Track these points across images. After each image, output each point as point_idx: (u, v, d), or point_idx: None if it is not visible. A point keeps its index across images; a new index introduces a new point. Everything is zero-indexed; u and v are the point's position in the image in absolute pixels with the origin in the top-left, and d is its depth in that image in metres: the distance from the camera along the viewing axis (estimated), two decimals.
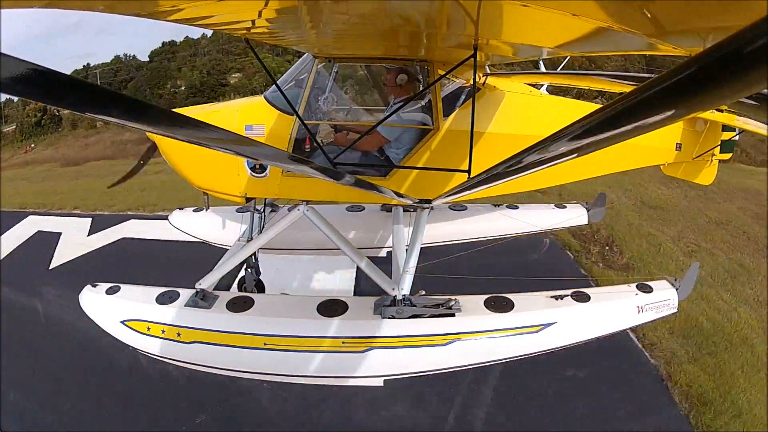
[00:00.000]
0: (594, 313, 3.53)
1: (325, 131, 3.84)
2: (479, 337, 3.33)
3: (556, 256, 6.64)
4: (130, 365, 4.23)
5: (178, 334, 3.34)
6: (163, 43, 21.89)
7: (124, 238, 8.26)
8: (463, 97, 3.44)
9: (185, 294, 3.55)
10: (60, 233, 8.68)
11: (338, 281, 5.99)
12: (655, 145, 4.01)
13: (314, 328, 3.31)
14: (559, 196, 8.15)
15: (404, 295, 3.42)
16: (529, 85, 4.39)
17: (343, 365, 3.30)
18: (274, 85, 3.33)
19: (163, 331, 3.36)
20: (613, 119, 0.96)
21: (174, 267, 5.87)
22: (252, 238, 4.15)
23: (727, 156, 4.34)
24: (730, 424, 4.16)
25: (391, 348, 3.30)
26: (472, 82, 3.16)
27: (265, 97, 3.50)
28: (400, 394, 3.93)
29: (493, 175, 1.93)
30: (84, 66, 21.90)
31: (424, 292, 3.52)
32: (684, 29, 1.26)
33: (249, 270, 4.26)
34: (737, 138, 4.22)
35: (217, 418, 3.80)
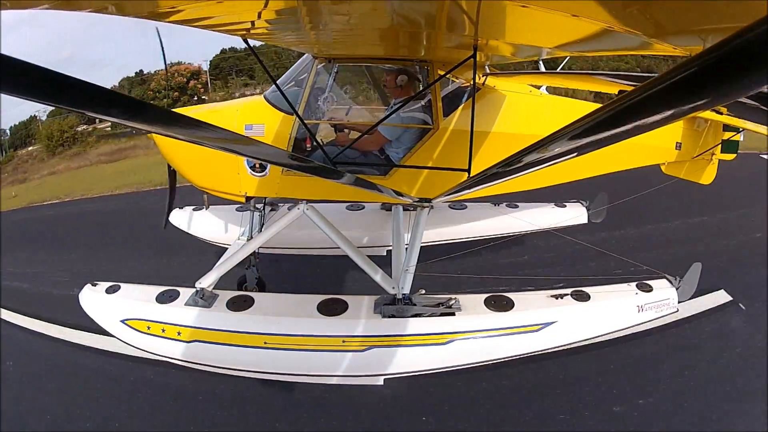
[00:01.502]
0: (594, 313, 3.54)
1: (325, 131, 3.85)
2: (479, 336, 3.34)
3: (556, 254, 6.59)
4: (130, 365, 4.23)
5: (179, 333, 3.35)
6: (223, 50, 21.54)
7: None
8: (463, 97, 3.45)
9: (185, 293, 3.55)
10: None
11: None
12: (655, 144, 4.00)
13: (314, 326, 3.32)
14: None
15: (404, 294, 3.42)
16: (529, 84, 4.39)
17: (343, 364, 3.30)
18: (273, 85, 3.34)
19: (163, 330, 3.37)
20: (613, 119, 0.96)
21: None
22: (252, 237, 4.15)
23: (730, 156, 4.32)
24: None
25: (392, 347, 3.30)
26: (471, 82, 3.16)
27: (264, 97, 3.50)
28: (401, 393, 3.91)
29: (492, 174, 1.93)
30: (136, 72, 22.01)
31: (424, 291, 3.52)
32: (684, 29, 1.26)
33: (249, 269, 4.27)
34: (741, 139, 4.21)
35: (217, 417, 3.80)
